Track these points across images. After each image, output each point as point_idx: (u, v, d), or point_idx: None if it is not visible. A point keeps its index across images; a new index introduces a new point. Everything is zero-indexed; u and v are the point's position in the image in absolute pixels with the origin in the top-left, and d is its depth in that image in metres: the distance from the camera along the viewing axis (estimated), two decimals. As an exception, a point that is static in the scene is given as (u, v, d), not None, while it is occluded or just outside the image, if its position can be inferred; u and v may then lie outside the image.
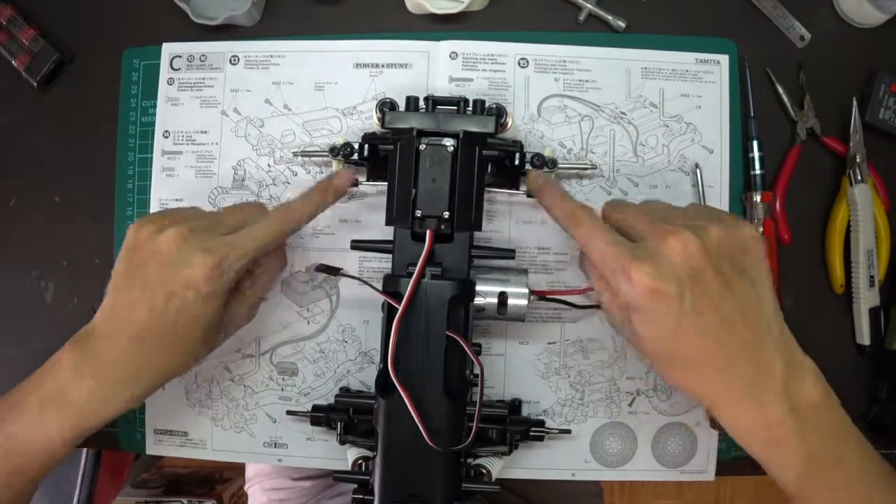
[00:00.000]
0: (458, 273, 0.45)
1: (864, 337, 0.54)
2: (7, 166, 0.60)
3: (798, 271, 0.56)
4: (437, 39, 0.55)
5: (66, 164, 0.59)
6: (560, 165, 0.50)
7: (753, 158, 0.55)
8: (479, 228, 0.46)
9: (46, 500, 0.98)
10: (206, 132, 0.56)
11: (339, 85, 0.55)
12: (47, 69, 0.57)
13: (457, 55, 0.55)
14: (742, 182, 0.55)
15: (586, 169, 0.53)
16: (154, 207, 0.56)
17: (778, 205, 0.55)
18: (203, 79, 0.56)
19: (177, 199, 0.56)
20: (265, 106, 0.56)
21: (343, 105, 0.55)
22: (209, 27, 0.56)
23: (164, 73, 0.57)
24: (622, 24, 0.56)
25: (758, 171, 0.55)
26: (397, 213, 0.46)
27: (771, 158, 0.55)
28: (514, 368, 0.54)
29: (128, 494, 1.19)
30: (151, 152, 0.57)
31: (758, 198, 0.54)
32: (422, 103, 0.49)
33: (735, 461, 0.55)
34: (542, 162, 0.49)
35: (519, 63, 0.55)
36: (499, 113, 0.48)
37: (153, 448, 0.56)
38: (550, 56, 0.55)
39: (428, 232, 0.44)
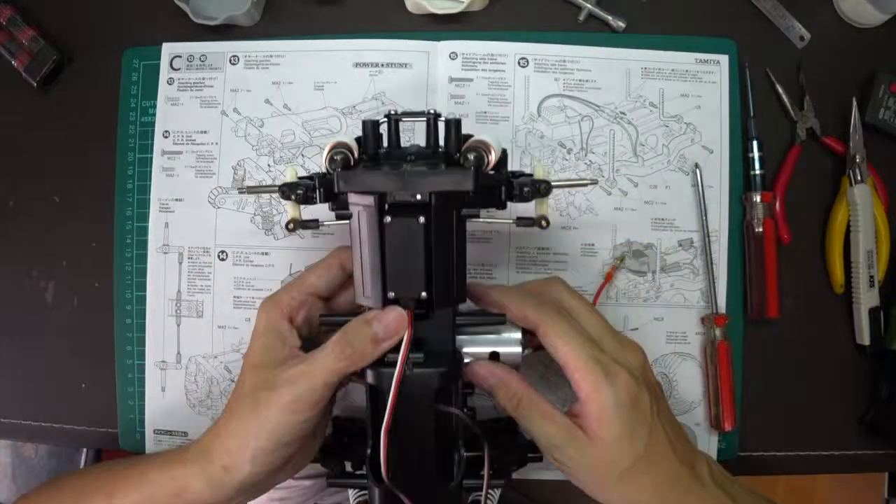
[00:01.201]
0: (443, 347, 0.40)
1: (864, 337, 0.54)
2: (7, 166, 0.60)
3: (798, 271, 0.56)
4: (437, 39, 0.55)
5: (66, 164, 0.59)
6: (555, 184, 0.41)
7: (753, 158, 0.55)
8: (463, 300, 0.41)
9: (46, 500, 0.98)
10: (206, 132, 0.56)
11: (338, 84, 0.55)
12: (47, 69, 0.57)
13: (457, 55, 0.55)
14: (742, 182, 0.55)
15: (585, 185, 0.48)
16: (154, 207, 0.56)
17: (778, 205, 0.55)
18: (203, 79, 0.56)
19: (177, 199, 0.56)
20: (265, 106, 0.56)
21: (342, 105, 0.55)
22: (209, 27, 0.56)
23: (164, 72, 0.57)
24: (622, 24, 0.56)
25: (758, 171, 0.54)
26: (367, 294, 0.40)
27: (771, 158, 0.55)
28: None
29: (128, 494, 1.19)
30: (151, 152, 0.57)
31: (758, 198, 0.54)
32: (382, 128, 0.42)
33: (735, 461, 0.55)
34: (535, 191, 0.41)
35: (519, 63, 0.55)
36: (479, 160, 0.38)
37: (153, 448, 0.56)
38: (550, 56, 0.55)
39: (407, 321, 0.38)
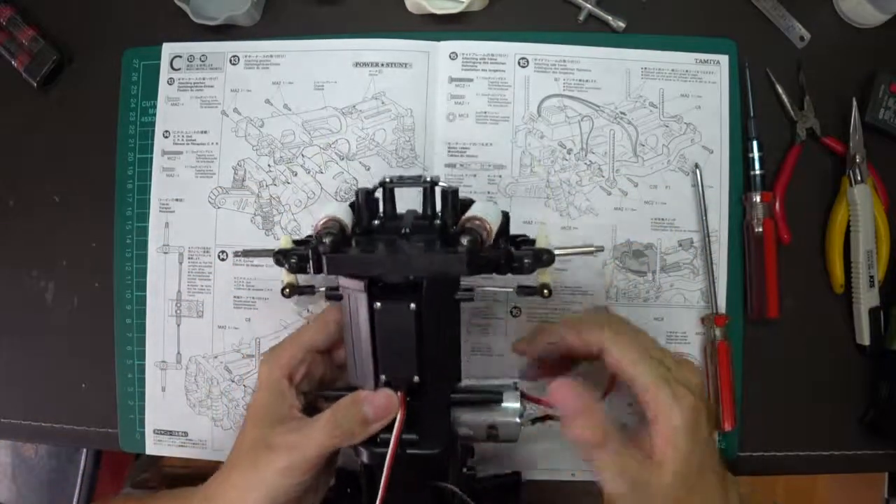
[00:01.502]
0: (438, 426, 0.39)
1: (864, 337, 0.54)
2: (7, 166, 0.60)
3: (798, 271, 0.56)
4: (437, 39, 0.55)
5: (66, 164, 0.59)
6: (558, 254, 0.40)
7: (753, 158, 0.55)
8: (458, 379, 0.41)
9: (46, 500, 0.98)
10: (206, 132, 0.56)
11: (338, 84, 0.55)
12: (47, 69, 0.57)
13: (457, 55, 0.55)
14: (742, 182, 0.55)
15: (591, 252, 0.44)
16: (154, 207, 0.56)
17: (778, 205, 0.55)
18: (203, 79, 0.56)
19: (177, 199, 0.56)
20: (265, 106, 0.56)
21: (342, 104, 0.55)
22: (209, 27, 0.56)
23: (165, 72, 0.57)
24: (622, 25, 0.56)
25: (758, 172, 0.54)
26: (359, 374, 0.40)
27: (771, 158, 0.55)
28: (514, 369, 0.54)
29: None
30: (151, 152, 0.57)
31: (758, 198, 0.54)
32: (377, 193, 0.41)
33: (735, 461, 0.55)
34: (537, 261, 0.39)
35: (519, 63, 0.55)
36: (473, 242, 0.36)
37: (153, 448, 0.56)
38: (550, 56, 0.55)
39: (398, 411, 0.38)
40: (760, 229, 0.54)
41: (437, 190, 0.41)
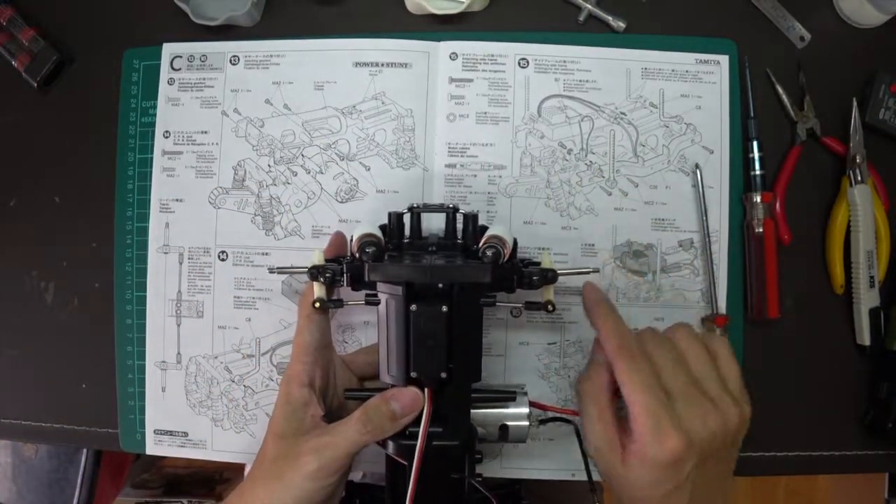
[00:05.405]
0: (460, 420, 0.43)
1: (864, 337, 0.54)
2: (7, 166, 0.60)
3: (798, 271, 0.56)
4: (438, 40, 0.55)
5: (66, 164, 0.59)
6: (560, 272, 0.45)
7: (753, 159, 0.55)
8: (478, 378, 0.43)
9: (46, 501, 0.98)
10: (206, 132, 0.56)
11: (338, 84, 0.55)
12: (47, 69, 0.57)
13: (457, 56, 0.55)
14: (742, 182, 0.55)
15: (588, 273, 0.47)
16: (154, 207, 0.56)
17: (778, 205, 0.55)
18: (203, 79, 0.56)
19: (177, 199, 0.56)
20: (265, 106, 0.56)
21: (342, 104, 0.55)
22: (209, 27, 0.56)
23: (165, 73, 0.57)
24: (622, 25, 0.56)
25: (758, 172, 0.54)
26: (391, 371, 0.43)
27: (771, 159, 0.55)
28: (515, 369, 0.54)
29: (128, 494, 1.19)
30: (151, 152, 0.57)
31: (758, 198, 0.54)
32: (406, 219, 0.46)
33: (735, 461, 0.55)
34: (543, 278, 0.44)
35: (519, 63, 0.55)
36: (496, 255, 0.41)
37: (153, 448, 0.56)
38: (550, 56, 0.55)
39: (426, 405, 0.41)
40: (761, 229, 0.54)
41: (459, 216, 0.47)
